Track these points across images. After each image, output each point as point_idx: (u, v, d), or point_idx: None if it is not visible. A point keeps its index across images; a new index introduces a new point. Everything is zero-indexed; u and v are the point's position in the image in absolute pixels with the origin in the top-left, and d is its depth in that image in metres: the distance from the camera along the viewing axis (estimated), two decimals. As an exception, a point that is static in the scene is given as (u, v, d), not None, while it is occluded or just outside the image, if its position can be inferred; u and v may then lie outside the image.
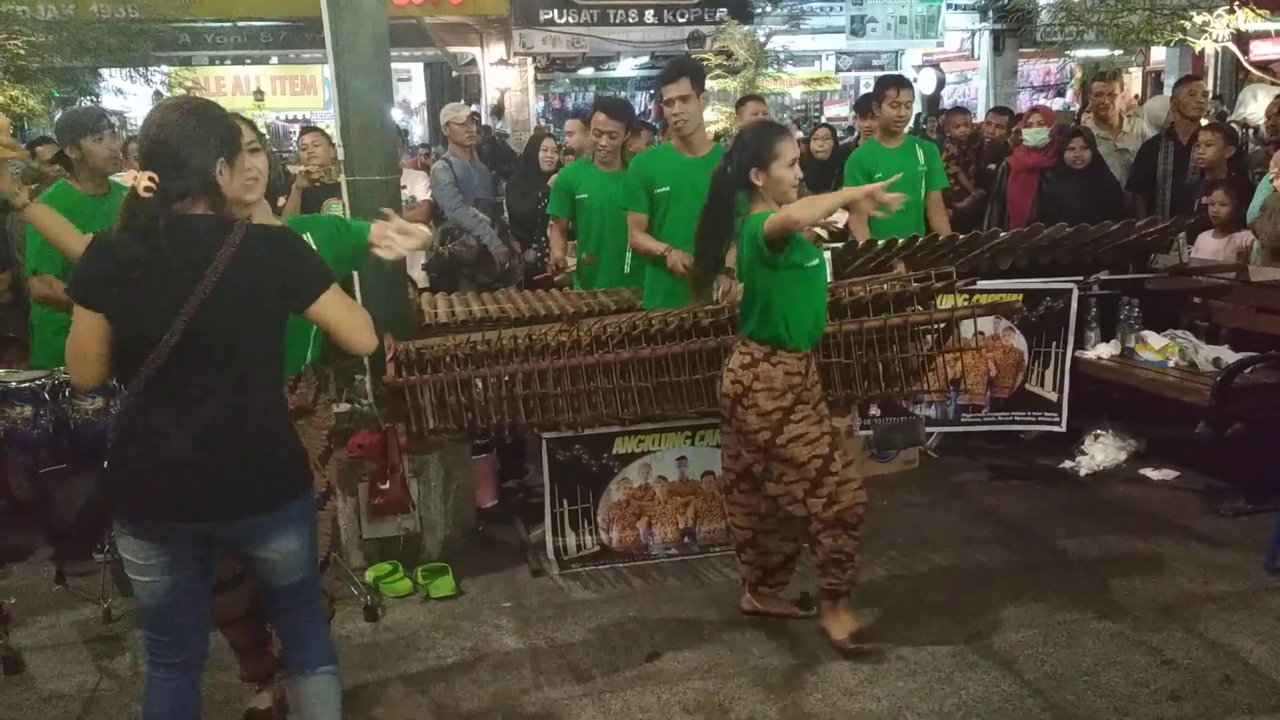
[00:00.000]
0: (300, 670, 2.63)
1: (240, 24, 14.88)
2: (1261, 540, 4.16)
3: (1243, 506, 4.60)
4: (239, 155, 2.43)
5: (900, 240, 4.45)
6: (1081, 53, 15.94)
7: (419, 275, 6.19)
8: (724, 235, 3.48)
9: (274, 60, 17.28)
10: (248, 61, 17.11)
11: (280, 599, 2.58)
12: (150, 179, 2.27)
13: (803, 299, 3.37)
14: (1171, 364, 4.96)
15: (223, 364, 2.32)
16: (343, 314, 2.41)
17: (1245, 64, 10.10)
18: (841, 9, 15.87)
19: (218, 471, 2.32)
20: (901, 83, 5.54)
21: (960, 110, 8.46)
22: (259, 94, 17.25)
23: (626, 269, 4.89)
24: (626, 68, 17.82)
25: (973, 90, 17.65)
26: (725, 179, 3.43)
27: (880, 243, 4.50)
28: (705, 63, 13.72)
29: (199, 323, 2.25)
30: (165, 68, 14.37)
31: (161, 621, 2.47)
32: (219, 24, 14.70)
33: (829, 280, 3.96)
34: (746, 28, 13.95)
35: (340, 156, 4.42)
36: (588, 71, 17.89)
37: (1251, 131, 8.20)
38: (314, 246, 2.91)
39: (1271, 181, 4.85)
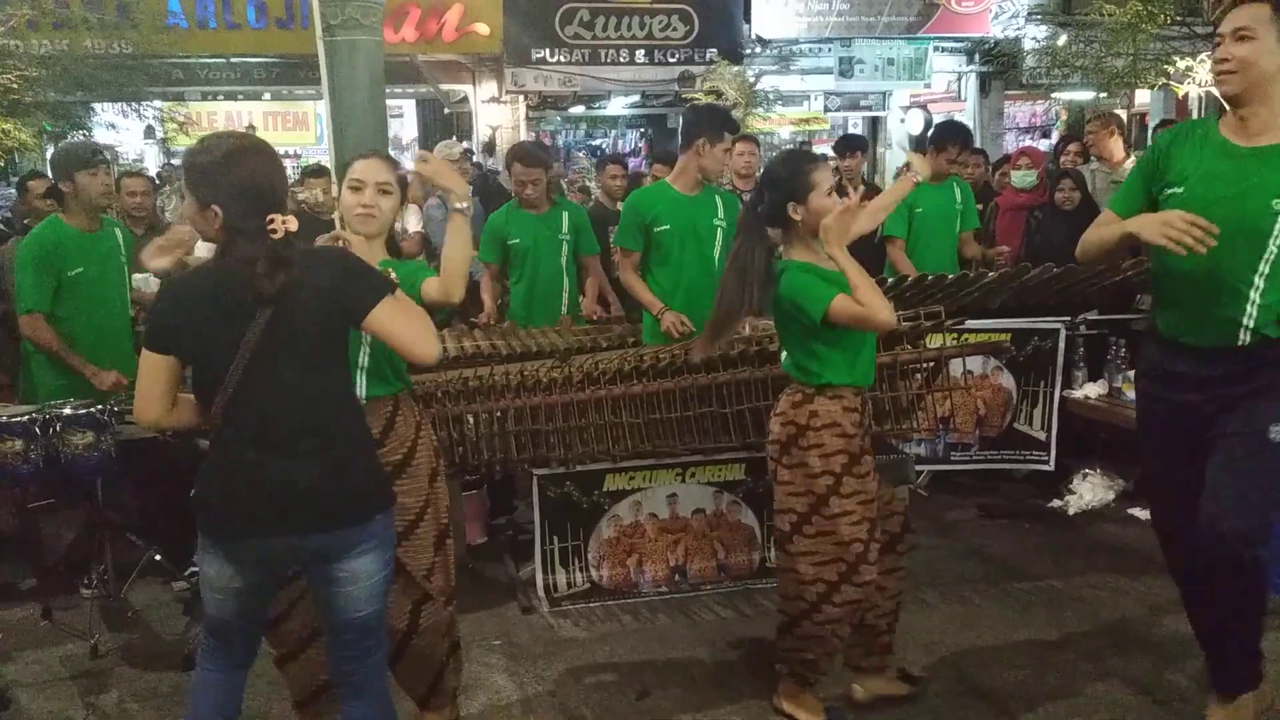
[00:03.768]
0: None
1: (234, 60, 14.97)
2: (1250, 580, 4.17)
3: (1230, 546, 4.61)
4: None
5: (890, 280, 4.49)
6: (1066, 95, 16.16)
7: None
8: (757, 279, 3.10)
9: (266, 96, 17.36)
10: (240, 97, 17.20)
11: (346, 637, 2.55)
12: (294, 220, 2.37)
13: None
14: None
15: (293, 387, 2.38)
16: (399, 324, 2.41)
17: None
18: (830, 50, 16.06)
19: (291, 487, 2.38)
20: (967, 144, 5.77)
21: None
22: (250, 129, 17.33)
23: (564, 309, 4.93)
24: (617, 106, 17.96)
25: (960, 131, 17.84)
26: (756, 218, 3.15)
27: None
28: (695, 102, 13.88)
29: (265, 346, 2.33)
30: (158, 103, 14.44)
31: (221, 631, 2.57)
32: (212, 60, 14.79)
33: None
34: (736, 68, 14.11)
35: (335, 192, 4.45)
36: (579, 109, 18.03)
37: None
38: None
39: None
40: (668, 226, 4.32)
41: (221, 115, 17.61)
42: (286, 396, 2.38)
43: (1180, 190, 2.86)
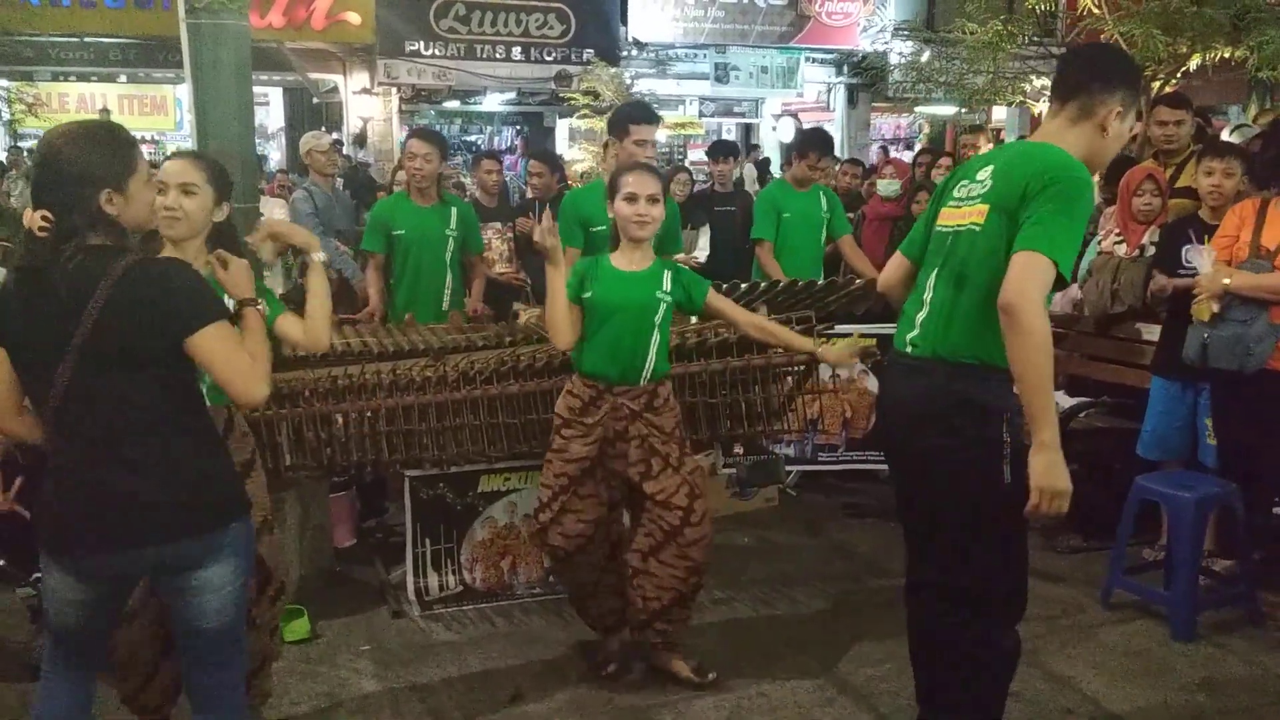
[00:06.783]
0: None
1: (88, 40, 14.24)
2: (1097, 576, 4.40)
3: (1079, 544, 4.85)
4: (133, 178, 2.32)
5: (762, 284, 4.57)
6: (929, 109, 16.73)
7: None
8: None
9: (122, 79, 16.59)
10: (94, 79, 16.39)
11: (196, 647, 2.45)
12: (44, 218, 2.23)
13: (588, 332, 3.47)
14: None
15: (121, 397, 2.26)
16: (221, 356, 2.28)
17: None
18: (706, 56, 16.27)
19: (127, 499, 2.27)
20: (825, 150, 5.87)
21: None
22: (105, 112, 16.51)
23: (445, 305, 4.88)
24: (493, 102, 17.79)
25: (828, 140, 18.31)
26: None
27: (743, 286, 4.60)
28: (572, 102, 13.88)
29: (88, 358, 2.22)
30: (5, 82, 13.65)
31: (65, 640, 2.46)
32: (65, 39, 14.04)
33: (693, 321, 4.06)
34: (613, 70, 14.14)
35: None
36: (454, 104, 17.80)
37: None
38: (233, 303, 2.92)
39: (1099, 242, 5.15)
40: (603, 226, 4.30)
41: (74, 97, 16.74)
42: (114, 405, 2.27)
43: None
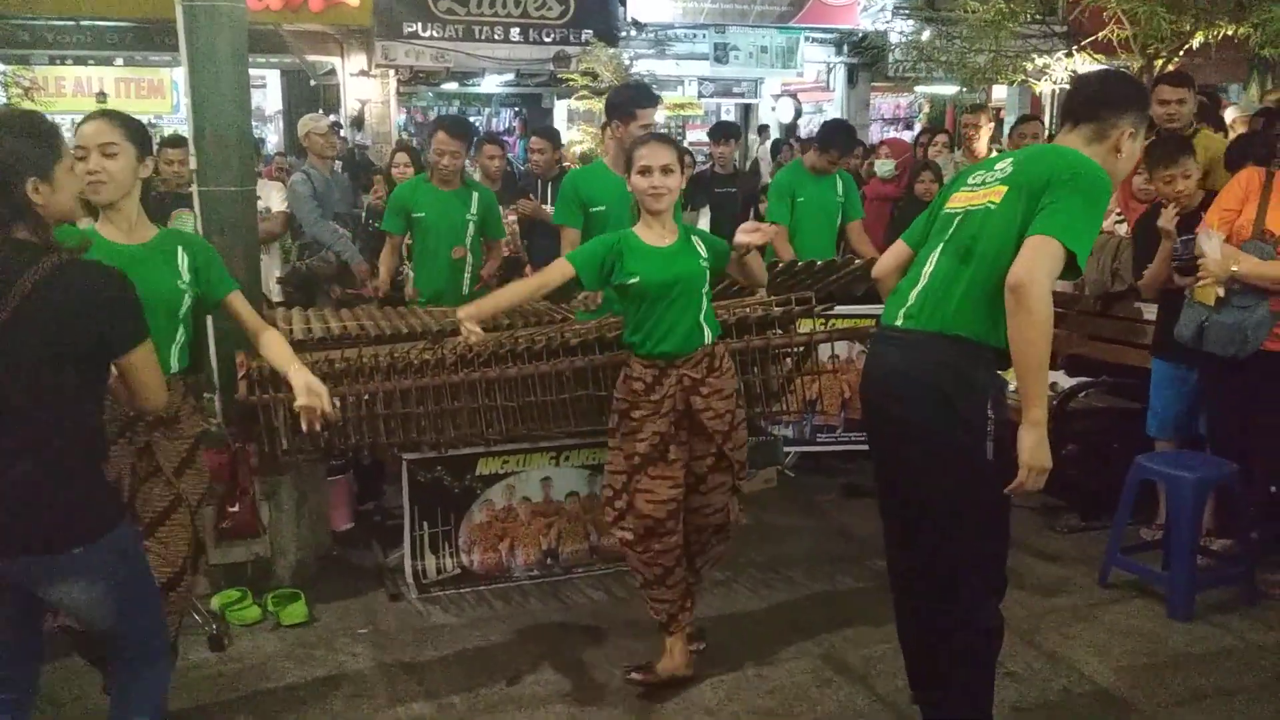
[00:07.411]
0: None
1: (84, 23, 14.16)
2: (1095, 556, 4.40)
3: (1077, 524, 4.86)
4: (59, 166, 2.28)
5: (765, 264, 4.55)
6: (929, 89, 16.67)
7: (273, 289, 6.00)
8: None
9: (119, 61, 16.51)
10: (91, 62, 16.31)
11: (98, 644, 2.49)
12: None
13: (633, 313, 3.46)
14: (1012, 388, 5.19)
15: (15, 396, 2.19)
16: (146, 374, 2.39)
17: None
18: (705, 37, 16.19)
19: None
20: (848, 148, 5.88)
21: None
22: (101, 96, 16.45)
23: (465, 290, 4.88)
24: (491, 84, 17.71)
25: (828, 120, 18.26)
26: None
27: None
28: (570, 83, 13.82)
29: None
30: (1, 66, 13.59)
31: None
32: (61, 22, 13.95)
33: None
34: (612, 50, 14.07)
35: (193, 165, 4.25)
36: (452, 86, 17.72)
37: None
38: (186, 263, 2.99)
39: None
40: (602, 207, 4.28)
41: (70, 80, 16.66)
42: (8, 407, 2.19)
43: None
